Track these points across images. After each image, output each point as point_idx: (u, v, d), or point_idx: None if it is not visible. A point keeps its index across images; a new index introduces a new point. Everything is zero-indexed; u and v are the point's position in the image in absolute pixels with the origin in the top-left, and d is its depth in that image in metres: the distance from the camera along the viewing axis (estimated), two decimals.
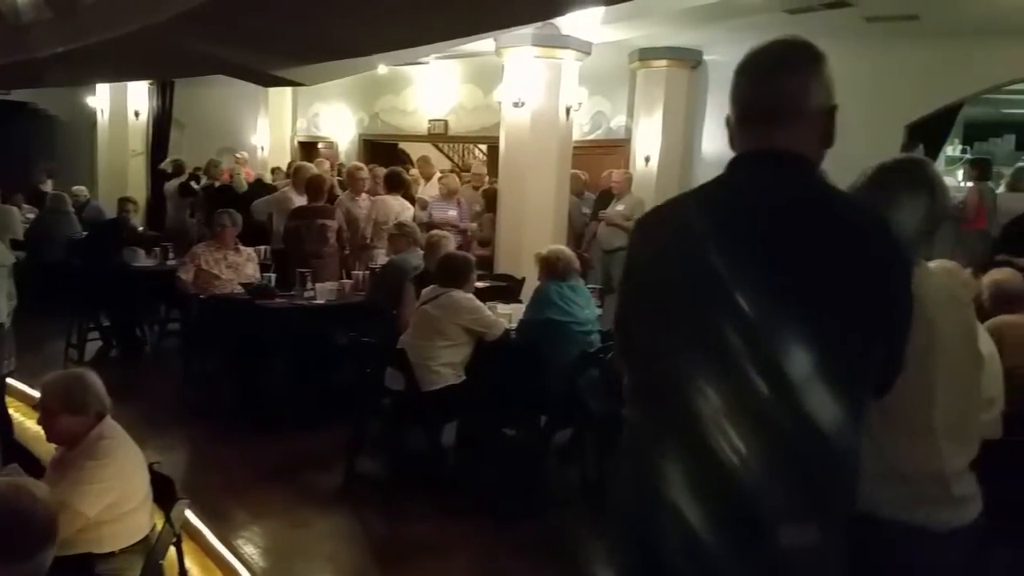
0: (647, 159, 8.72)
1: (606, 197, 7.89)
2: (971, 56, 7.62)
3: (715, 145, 9.00)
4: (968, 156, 9.47)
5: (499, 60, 7.56)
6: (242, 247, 5.98)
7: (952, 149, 9.78)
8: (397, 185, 6.84)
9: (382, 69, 9.79)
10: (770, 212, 1.36)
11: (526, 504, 3.98)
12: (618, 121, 9.39)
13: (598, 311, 4.52)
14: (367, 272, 5.63)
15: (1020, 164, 8.17)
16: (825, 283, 1.31)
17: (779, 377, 1.29)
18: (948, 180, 8.48)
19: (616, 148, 9.14)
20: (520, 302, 5.06)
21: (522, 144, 7.39)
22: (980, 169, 7.52)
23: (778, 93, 1.41)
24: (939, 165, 8.68)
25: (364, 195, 6.93)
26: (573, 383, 4.07)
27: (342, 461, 4.30)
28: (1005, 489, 2.75)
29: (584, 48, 7.39)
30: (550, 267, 4.33)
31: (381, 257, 5.88)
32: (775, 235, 1.34)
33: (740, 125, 1.46)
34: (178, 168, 9.52)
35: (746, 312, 1.30)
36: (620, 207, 7.49)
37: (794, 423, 1.29)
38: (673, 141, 8.69)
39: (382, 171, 7.42)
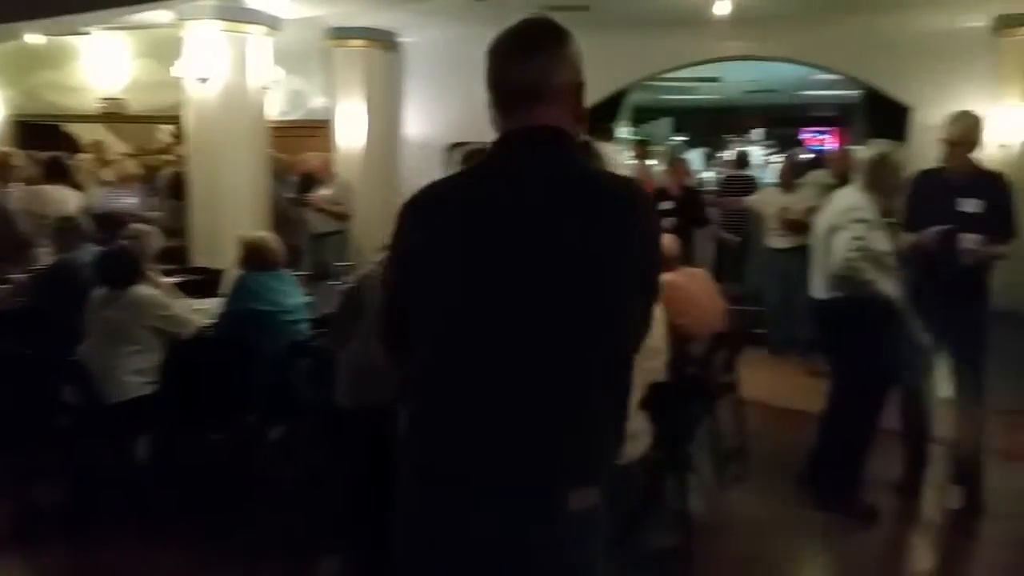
0: (351, 141, 8.59)
1: (308, 180, 7.63)
2: (634, 47, 8.49)
3: (419, 127, 9.12)
4: (636, 137, 10.62)
5: (179, 32, 6.93)
6: None
7: (622, 131, 10.88)
8: (59, 173, 6.02)
9: (33, 39, 8.51)
10: (536, 188, 1.39)
11: (239, 510, 3.73)
12: (318, 101, 9.13)
13: (306, 299, 4.35)
14: (27, 275, 4.85)
15: (670, 144, 9.34)
16: (597, 251, 1.36)
17: (562, 348, 1.34)
18: (621, 159, 9.36)
19: (318, 129, 8.87)
20: (220, 295, 4.71)
21: (211, 124, 6.85)
22: (642, 148, 8.53)
23: (527, 72, 1.44)
24: (612, 146, 9.56)
25: (18, 185, 5.98)
26: (284, 375, 3.89)
27: (10, 495, 3.69)
28: (669, 423, 3.15)
29: (273, 24, 7.03)
30: (249, 255, 4.08)
31: (44, 256, 5.11)
32: (544, 208, 1.37)
33: (497, 106, 1.48)
34: None
35: (527, 285, 1.34)
36: (327, 191, 7.30)
37: (582, 392, 1.35)
38: (377, 123, 8.65)
39: (42, 157, 6.47)
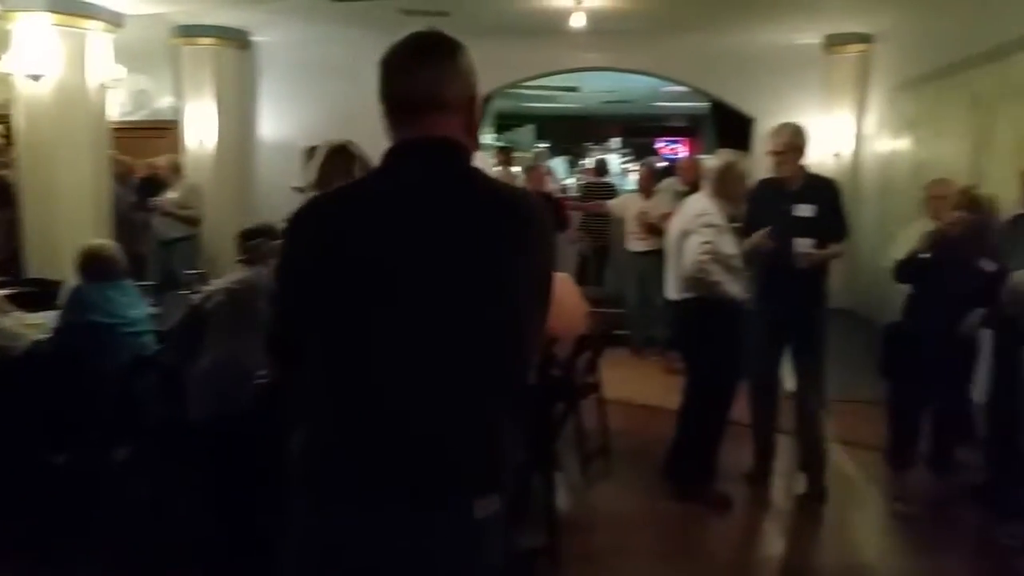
0: (201, 142, 8.20)
1: (152, 183, 7.21)
2: (494, 54, 8.57)
3: (274, 127, 8.83)
4: (502, 143, 10.75)
5: (5, 25, 6.36)
6: None
7: (487, 137, 10.97)
8: None
9: None
10: (432, 199, 1.38)
11: (83, 535, 3.46)
12: (165, 101, 8.66)
13: (152, 310, 4.09)
14: None
15: (535, 151, 9.51)
16: (498, 261, 1.38)
17: (465, 358, 1.35)
18: (487, 165, 9.43)
19: (165, 130, 8.41)
20: (57, 308, 4.36)
21: (45, 124, 6.34)
22: (506, 155, 8.63)
23: (420, 83, 1.43)
24: (479, 153, 9.70)
25: None
26: (128, 391, 3.64)
27: None
28: (536, 424, 3.19)
29: (114, 19, 6.61)
30: (88, 264, 3.80)
31: None
32: (442, 220, 1.37)
33: (389, 116, 1.46)
34: None
35: (428, 297, 1.34)
36: (173, 195, 6.92)
37: (486, 401, 1.37)
38: (229, 123, 8.31)
39: None
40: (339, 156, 2.65)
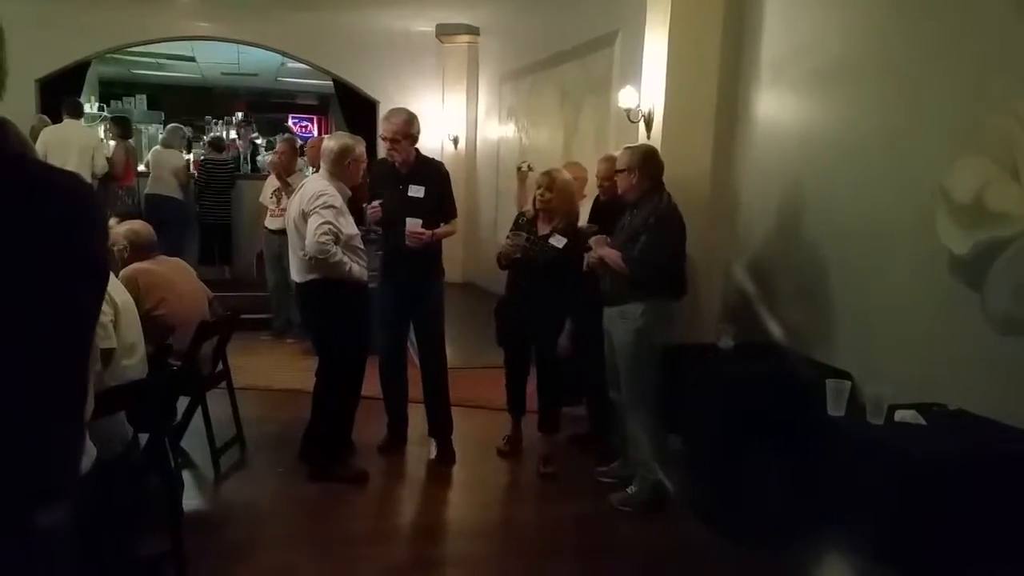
0: None
1: None
2: (96, 16, 7.70)
3: None
4: (107, 114, 9.63)
5: None
6: None
7: (90, 107, 9.76)
8: None
9: None
10: None
11: None
12: None
13: None
14: None
15: (173, 125, 8.71)
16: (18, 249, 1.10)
17: None
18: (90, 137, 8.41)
19: None
20: None
21: None
22: (122, 127, 7.78)
23: None
24: (81, 122, 8.61)
25: None
26: None
27: None
28: (153, 422, 3.01)
29: None
30: None
31: None
32: None
33: None
34: None
35: None
36: None
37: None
38: None
39: None
40: None
